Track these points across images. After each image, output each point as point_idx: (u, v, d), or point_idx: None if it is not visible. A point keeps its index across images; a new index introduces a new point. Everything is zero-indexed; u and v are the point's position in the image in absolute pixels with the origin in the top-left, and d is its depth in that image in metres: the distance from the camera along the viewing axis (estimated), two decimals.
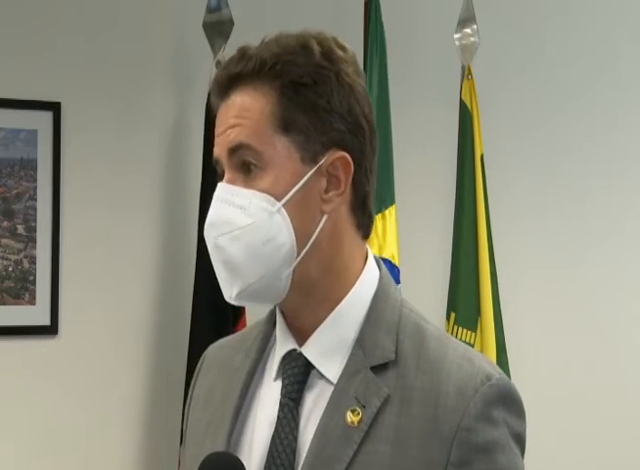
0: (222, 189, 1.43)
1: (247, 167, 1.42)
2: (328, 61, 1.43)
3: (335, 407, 1.41)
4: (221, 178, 1.45)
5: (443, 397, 1.38)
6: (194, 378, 1.63)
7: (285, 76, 1.41)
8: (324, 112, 1.42)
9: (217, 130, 1.46)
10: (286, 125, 1.41)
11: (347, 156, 1.43)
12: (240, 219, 1.41)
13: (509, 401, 1.41)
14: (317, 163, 1.42)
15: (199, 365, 1.63)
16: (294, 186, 1.41)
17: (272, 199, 1.40)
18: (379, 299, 1.47)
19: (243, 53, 1.44)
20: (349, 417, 1.39)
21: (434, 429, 1.37)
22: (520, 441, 1.42)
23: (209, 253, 1.45)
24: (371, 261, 1.50)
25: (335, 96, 1.42)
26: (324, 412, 1.41)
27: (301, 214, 1.41)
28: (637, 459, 4.20)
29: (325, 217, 1.43)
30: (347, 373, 1.42)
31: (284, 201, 1.40)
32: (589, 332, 4.20)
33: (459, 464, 1.36)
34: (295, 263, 1.42)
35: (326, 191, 1.43)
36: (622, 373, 4.23)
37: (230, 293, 1.44)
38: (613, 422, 4.19)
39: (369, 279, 1.48)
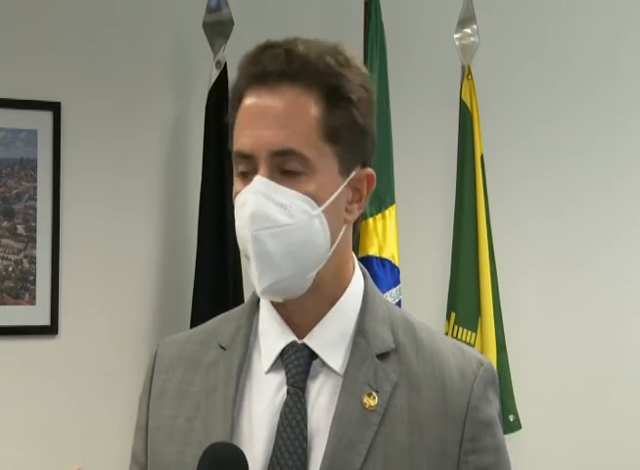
0: (263, 184, 1.44)
1: (289, 168, 1.45)
2: (365, 80, 1.50)
3: (349, 393, 1.48)
4: (243, 169, 1.47)
5: (449, 381, 1.50)
6: (150, 374, 1.62)
7: (339, 90, 1.46)
8: (361, 129, 1.49)
9: (256, 120, 1.46)
10: (332, 136, 1.46)
11: (374, 174, 1.52)
12: (281, 217, 1.44)
13: (496, 384, 1.56)
14: (349, 176, 1.49)
15: (152, 362, 1.63)
16: (332, 194, 1.47)
17: (314, 203, 1.45)
18: (369, 295, 1.56)
19: (290, 49, 1.45)
20: (366, 401, 1.47)
21: (444, 409, 1.48)
22: (500, 417, 1.57)
23: (244, 242, 1.46)
24: (357, 262, 1.59)
25: (369, 116, 1.50)
26: (339, 398, 1.48)
27: (333, 222, 1.48)
28: (638, 459, 4.20)
29: (345, 227, 1.51)
30: (355, 361, 1.50)
31: (324, 206, 1.46)
32: (589, 332, 4.20)
33: (472, 439, 1.48)
34: (321, 266, 1.48)
35: (350, 202, 1.51)
36: (623, 372, 4.23)
37: (261, 285, 1.47)
38: (613, 422, 4.19)
39: (359, 278, 1.57)
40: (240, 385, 1.52)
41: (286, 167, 1.44)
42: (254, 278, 1.47)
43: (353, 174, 1.49)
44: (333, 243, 1.48)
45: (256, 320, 1.56)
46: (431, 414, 1.48)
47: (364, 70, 1.51)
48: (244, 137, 1.46)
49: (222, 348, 1.55)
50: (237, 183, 1.49)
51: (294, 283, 1.47)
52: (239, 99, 1.48)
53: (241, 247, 1.49)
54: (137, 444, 1.63)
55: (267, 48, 1.47)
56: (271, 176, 1.44)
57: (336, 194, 1.47)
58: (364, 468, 1.44)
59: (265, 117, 1.45)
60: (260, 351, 1.54)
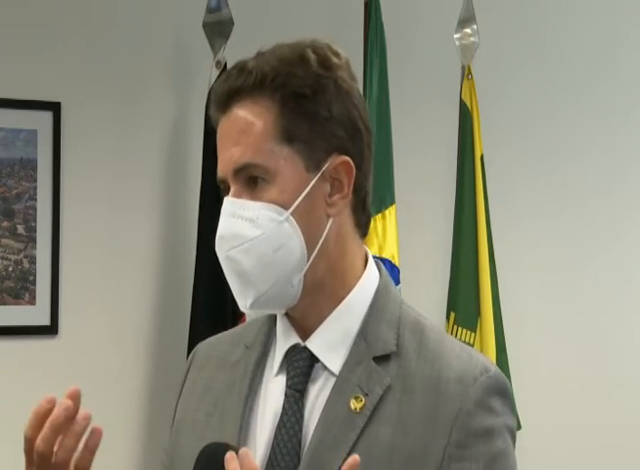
0: (230, 203, 1.47)
1: (253, 181, 1.46)
2: (325, 69, 1.48)
3: (338, 394, 1.46)
4: (226, 194, 1.49)
5: (444, 383, 1.44)
6: (185, 372, 1.66)
7: (285, 89, 1.46)
8: (324, 120, 1.47)
9: (221, 146, 1.49)
10: (289, 137, 1.45)
11: (350, 160, 1.48)
12: (249, 231, 1.45)
13: (505, 395, 1.49)
14: (320, 169, 1.47)
15: (190, 360, 1.67)
16: (300, 194, 1.46)
17: (280, 208, 1.45)
18: (380, 295, 1.53)
19: (242, 67, 1.48)
20: (353, 404, 1.45)
21: (434, 412, 1.43)
22: (513, 435, 1.48)
23: (222, 265, 1.49)
24: (371, 261, 1.56)
25: (334, 104, 1.47)
26: (328, 399, 1.47)
27: (309, 220, 1.47)
28: (638, 459, 4.20)
29: (330, 221, 1.48)
30: (350, 363, 1.48)
31: (291, 209, 1.45)
32: (589, 332, 4.20)
33: (458, 446, 1.42)
34: (305, 268, 1.47)
35: (330, 195, 1.48)
36: (622, 373, 4.22)
37: (244, 303, 1.48)
38: (613, 422, 4.19)
39: (371, 277, 1.54)
40: (255, 384, 1.53)
41: (249, 181, 1.46)
42: (238, 297, 1.48)
43: (326, 166, 1.47)
44: (315, 242, 1.47)
45: (276, 322, 1.57)
46: (420, 416, 1.43)
47: (335, 59, 1.49)
48: (218, 165, 1.50)
49: (246, 347, 1.57)
50: None
51: (279, 292, 1.47)
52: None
53: None
54: (169, 436, 1.66)
55: (226, 72, 1.51)
56: (239, 194, 1.47)
57: (305, 192, 1.46)
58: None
59: (225, 141, 1.48)
60: (275, 352, 1.55)
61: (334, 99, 1.47)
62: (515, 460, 1.47)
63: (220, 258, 1.48)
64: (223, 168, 1.48)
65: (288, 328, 1.53)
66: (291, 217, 1.45)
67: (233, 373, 1.56)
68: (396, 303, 1.54)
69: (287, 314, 1.53)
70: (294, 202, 1.45)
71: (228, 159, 1.47)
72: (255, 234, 1.45)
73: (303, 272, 1.47)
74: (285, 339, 1.53)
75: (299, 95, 1.46)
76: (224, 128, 1.49)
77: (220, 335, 1.68)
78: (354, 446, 1.42)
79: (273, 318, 1.57)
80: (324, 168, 1.47)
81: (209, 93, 3.41)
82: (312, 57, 1.47)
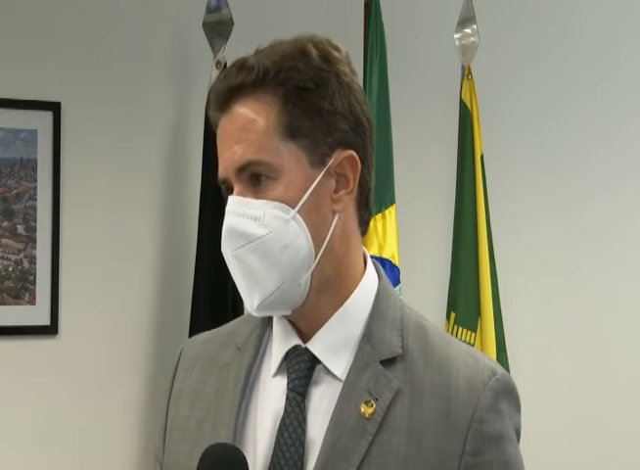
0: (234, 202, 1.44)
1: (256, 179, 1.44)
2: (326, 63, 1.46)
3: (347, 400, 1.44)
4: (229, 195, 1.47)
5: (454, 390, 1.43)
6: (173, 372, 1.62)
7: (287, 83, 1.43)
8: (328, 114, 1.45)
9: (221, 146, 1.47)
10: (292, 132, 1.43)
11: (355, 154, 1.46)
12: (255, 230, 1.42)
13: (512, 396, 1.47)
14: (325, 164, 1.45)
15: (177, 359, 1.63)
16: (306, 191, 1.44)
17: (286, 206, 1.43)
18: (381, 297, 1.50)
19: (241, 64, 1.46)
20: (363, 409, 1.43)
21: (446, 420, 1.42)
22: (518, 434, 1.49)
23: (228, 265, 1.46)
24: (370, 262, 1.54)
25: (336, 97, 1.45)
26: (336, 405, 1.44)
27: (315, 217, 1.44)
28: (637, 459, 4.20)
29: (336, 217, 1.46)
30: (357, 367, 1.46)
31: (298, 207, 1.43)
32: (589, 331, 4.20)
33: (474, 453, 1.41)
34: (313, 267, 1.44)
35: (336, 191, 1.46)
36: (622, 372, 4.23)
37: (251, 304, 1.46)
38: (613, 422, 4.19)
39: (371, 278, 1.52)
40: (248, 387, 1.51)
41: (252, 180, 1.44)
42: (245, 298, 1.46)
43: (332, 161, 1.45)
44: (322, 240, 1.45)
45: (271, 322, 1.54)
46: (432, 425, 1.42)
47: (336, 53, 1.48)
48: (219, 165, 1.47)
49: (238, 348, 1.54)
50: None
51: (286, 293, 1.44)
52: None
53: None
54: (158, 442, 1.61)
55: (225, 70, 1.48)
56: (243, 193, 1.44)
57: (311, 188, 1.44)
58: None
59: (226, 140, 1.46)
60: (271, 353, 1.52)
61: (336, 93, 1.45)
62: (522, 462, 1.48)
63: (227, 259, 1.45)
64: (225, 168, 1.46)
65: (287, 330, 1.50)
66: (297, 216, 1.43)
67: (224, 376, 1.53)
68: (397, 305, 1.52)
69: (286, 316, 1.50)
70: (300, 199, 1.43)
71: (229, 158, 1.44)
72: (262, 233, 1.42)
73: (311, 271, 1.44)
74: (283, 340, 1.50)
75: (302, 89, 1.44)
76: (225, 128, 1.46)
77: (209, 333, 1.64)
78: (367, 454, 1.41)
79: (267, 320, 1.54)
80: (329, 164, 1.45)
81: (209, 93, 3.42)
82: (313, 51, 1.46)
